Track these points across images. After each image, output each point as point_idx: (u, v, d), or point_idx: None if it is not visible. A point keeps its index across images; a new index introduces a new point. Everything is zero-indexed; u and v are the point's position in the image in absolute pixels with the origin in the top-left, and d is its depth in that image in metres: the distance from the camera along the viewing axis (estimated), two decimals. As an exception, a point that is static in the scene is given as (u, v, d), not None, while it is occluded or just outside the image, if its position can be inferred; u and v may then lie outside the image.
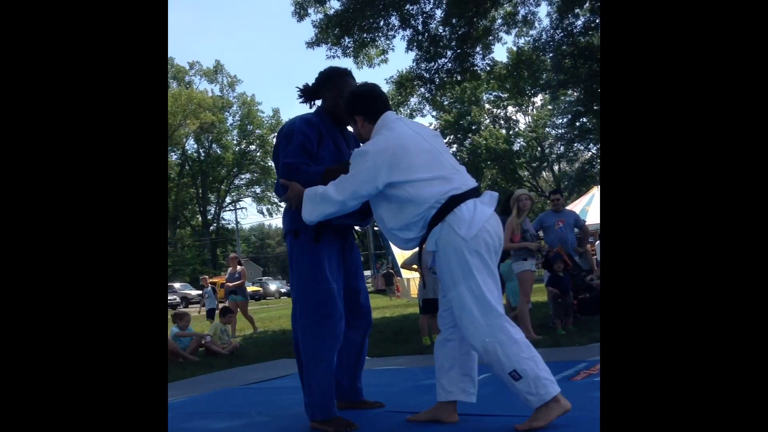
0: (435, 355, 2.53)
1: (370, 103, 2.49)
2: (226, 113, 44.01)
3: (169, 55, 45.44)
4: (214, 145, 43.99)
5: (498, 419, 2.49)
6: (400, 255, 25.82)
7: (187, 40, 73.37)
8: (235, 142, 44.85)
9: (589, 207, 15.33)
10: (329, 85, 2.72)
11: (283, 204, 2.72)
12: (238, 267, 10.16)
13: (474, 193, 2.36)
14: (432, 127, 22.15)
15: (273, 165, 2.73)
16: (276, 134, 2.74)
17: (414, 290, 21.76)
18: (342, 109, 2.62)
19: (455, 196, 2.28)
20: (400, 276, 24.42)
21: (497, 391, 3.14)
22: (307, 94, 2.80)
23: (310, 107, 2.83)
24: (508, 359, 2.20)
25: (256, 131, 44.08)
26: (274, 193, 2.99)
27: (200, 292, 26.91)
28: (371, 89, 2.54)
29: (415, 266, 6.00)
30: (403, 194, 2.30)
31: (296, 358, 2.68)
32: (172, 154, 41.57)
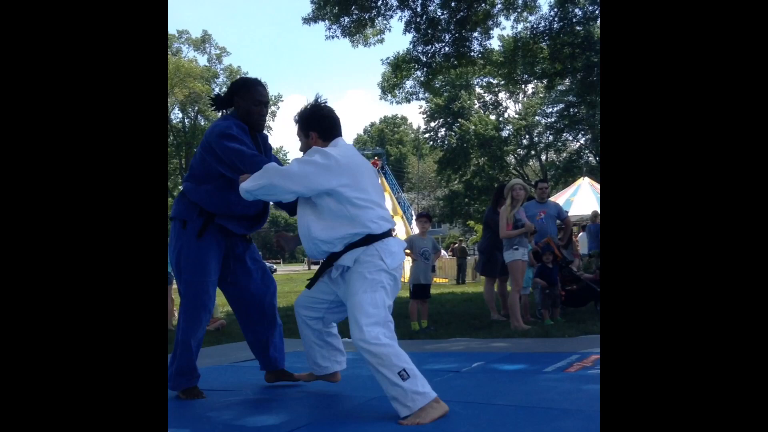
0: (303, 337, 2.81)
1: (329, 126, 2.65)
2: (213, 85, 43.39)
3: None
4: (199, 117, 43.39)
5: (488, 407, 2.50)
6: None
7: (178, 7, 72.05)
8: (220, 114, 44.29)
9: (574, 198, 15.44)
10: (242, 94, 2.90)
11: None
12: None
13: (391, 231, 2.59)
14: (422, 110, 22.64)
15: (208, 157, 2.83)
16: (211, 133, 2.84)
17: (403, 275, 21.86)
18: (255, 117, 2.87)
19: (384, 232, 2.50)
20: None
21: (487, 380, 3.16)
22: (220, 102, 2.98)
23: (219, 112, 3.04)
24: (399, 359, 2.33)
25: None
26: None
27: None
28: (332, 113, 2.70)
29: (407, 251, 5.98)
30: (344, 211, 2.44)
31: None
32: (158, 123, 40.99)
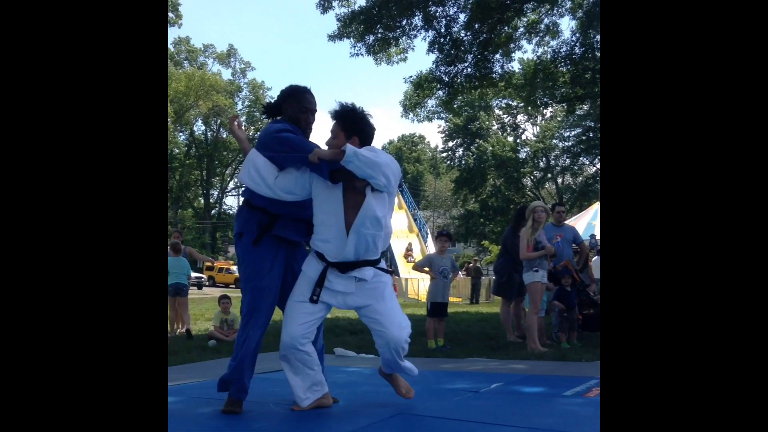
0: (303, 362, 2.80)
1: (370, 136, 2.78)
2: (236, 98, 43.95)
3: (185, 34, 45.36)
4: (221, 129, 43.89)
5: (509, 428, 2.51)
6: (400, 255, 25.92)
7: (205, 21, 73.23)
8: (243, 128, 44.75)
9: (595, 222, 15.37)
10: (290, 101, 2.96)
11: None
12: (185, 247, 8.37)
13: None
14: (440, 129, 23.22)
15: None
16: (264, 134, 2.91)
17: (411, 291, 21.81)
18: (302, 124, 2.90)
19: None
20: (398, 275, 24.46)
21: (507, 401, 3.17)
22: (270, 110, 3.04)
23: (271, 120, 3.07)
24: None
25: (264, 118, 43.91)
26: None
27: (199, 275, 26.66)
28: (372, 123, 2.84)
29: (426, 269, 6.02)
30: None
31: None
32: (180, 134, 41.48)
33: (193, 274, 8.44)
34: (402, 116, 14.23)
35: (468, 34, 11.33)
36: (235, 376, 2.85)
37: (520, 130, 37.99)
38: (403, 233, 27.74)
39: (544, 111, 30.19)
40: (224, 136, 43.89)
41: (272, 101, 3.05)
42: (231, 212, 46.38)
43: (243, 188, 2.98)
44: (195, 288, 24.09)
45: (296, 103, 2.94)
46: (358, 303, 2.73)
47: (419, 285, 20.43)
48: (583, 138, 30.46)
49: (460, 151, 38.26)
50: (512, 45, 11.97)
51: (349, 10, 10.84)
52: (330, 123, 2.81)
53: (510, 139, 37.27)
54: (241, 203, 3.04)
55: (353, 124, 2.72)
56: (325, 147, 2.71)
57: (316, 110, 2.99)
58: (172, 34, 42.40)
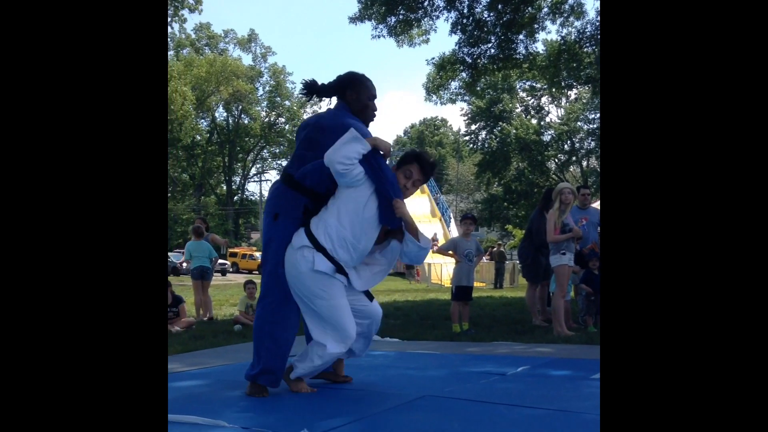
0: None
1: None
2: (257, 84, 44.12)
3: (205, 20, 45.54)
4: (243, 115, 44.15)
5: (537, 411, 2.48)
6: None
7: (224, 7, 73.41)
8: (264, 114, 44.95)
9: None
10: (357, 88, 2.87)
11: None
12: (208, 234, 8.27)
13: None
14: (463, 112, 23.54)
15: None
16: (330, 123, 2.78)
17: (435, 276, 21.80)
18: (370, 111, 2.87)
19: None
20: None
21: (534, 384, 3.14)
22: (323, 91, 2.90)
23: (310, 101, 2.99)
24: None
25: (285, 103, 44.11)
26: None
27: (223, 261, 27.02)
28: None
29: (450, 252, 5.98)
30: None
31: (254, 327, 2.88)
32: (203, 120, 41.81)
33: (219, 261, 8.52)
34: (425, 99, 14.10)
35: (491, 14, 11.16)
36: (272, 366, 2.79)
37: (544, 113, 37.54)
38: (426, 218, 27.69)
39: (569, 93, 29.74)
40: (245, 121, 44.14)
41: (311, 80, 2.92)
42: (253, 198, 46.75)
43: (291, 164, 2.84)
44: (219, 274, 24.40)
45: (364, 91, 2.88)
46: (354, 298, 2.87)
47: (442, 270, 20.40)
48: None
49: (483, 134, 37.97)
50: (536, 25, 11.78)
51: (370, -9, 10.75)
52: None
53: (534, 121, 36.85)
54: (279, 181, 2.88)
55: (427, 182, 3.02)
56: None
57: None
58: (193, 20, 42.69)
